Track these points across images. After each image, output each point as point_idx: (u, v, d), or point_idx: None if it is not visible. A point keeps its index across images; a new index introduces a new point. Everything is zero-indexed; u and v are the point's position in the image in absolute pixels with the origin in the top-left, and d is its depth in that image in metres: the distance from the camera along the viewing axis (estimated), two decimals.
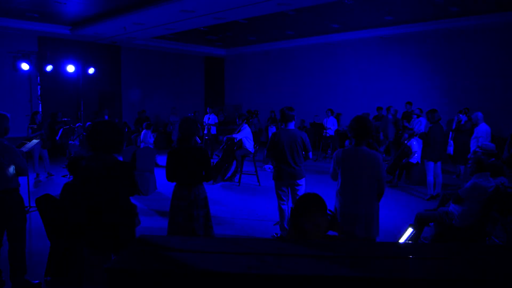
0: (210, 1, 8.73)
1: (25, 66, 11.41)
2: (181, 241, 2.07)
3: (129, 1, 9.52)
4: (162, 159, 10.27)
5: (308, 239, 2.27)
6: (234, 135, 8.91)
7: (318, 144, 13.04)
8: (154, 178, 8.16)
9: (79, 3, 9.69)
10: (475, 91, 11.30)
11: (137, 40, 13.87)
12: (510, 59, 10.76)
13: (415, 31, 12.13)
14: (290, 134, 4.83)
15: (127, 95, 15.43)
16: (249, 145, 8.80)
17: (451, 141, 9.07)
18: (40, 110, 12.16)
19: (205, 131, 12.91)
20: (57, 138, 10.42)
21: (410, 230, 3.88)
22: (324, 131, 12.49)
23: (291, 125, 4.91)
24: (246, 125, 8.92)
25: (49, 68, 11.88)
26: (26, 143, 6.27)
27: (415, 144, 8.46)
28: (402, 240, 3.83)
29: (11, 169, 3.66)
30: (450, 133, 9.13)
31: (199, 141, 11.58)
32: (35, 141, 6.79)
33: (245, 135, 8.78)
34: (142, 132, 10.76)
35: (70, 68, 12.28)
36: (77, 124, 10.85)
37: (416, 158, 8.46)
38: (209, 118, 13.07)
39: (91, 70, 12.84)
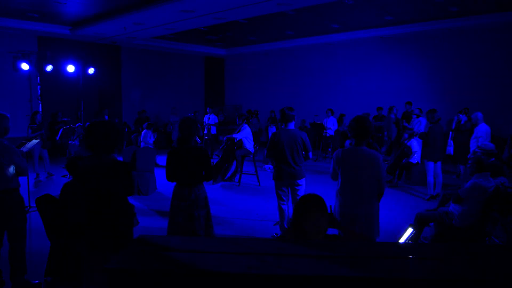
0: (210, 1, 8.73)
1: (25, 66, 11.40)
2: (181, 241, 2.07)
3: (129, 1, 9.52)
4: (162, 159, 10.27)
5: (309, 239, 2.27)
6: (234, 135, 8.91)
7: (318, 144, 13.04)
8: (154, 178, 8.16)
9: (79, 3, 9.69)
10: (475, 91, 11.30)
11: (137, 40, 13.87)
12: (510, 59, 10.76)
13: (415, 31, 12.13)
14: (290, 134, 4.83)
15: (127, 95, 15.43)
16: (249, 145, 8.80)
17: (451, 141, 9.07)
18: (40, 110, 12.16)
19: (205, 131, 12.91)
20: (57, 138, 10.42)
21: (410, 230, 3.88)
22: (324, 131, 12.49)
23: (291, 125, 4.91)
24: (246, 125, 8.92)
25: (49, 68, 11.87)
26: (26, 143, 6.26)
27: (415, 144, 8.46)
28: (402, 240, 3.83)
29: (11, 169, 3.66)
30: (450, 133, 9.13)
31: (199, 141, 11.58)
32: (35, 141, 6.79)
33: (245, 135, 8.78)
34: (143, 132, 10.76)
35: (70, 68, 12.28)
36: (77, 124, 10.84)
37: (416, 158, 8.46)
38: (209, 118, 13.07)
39: (91, 70, 12.83)
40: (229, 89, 19.01)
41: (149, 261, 1.60)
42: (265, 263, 1.55)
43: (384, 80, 13.35)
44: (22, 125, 9.81)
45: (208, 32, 13.36)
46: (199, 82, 18.51)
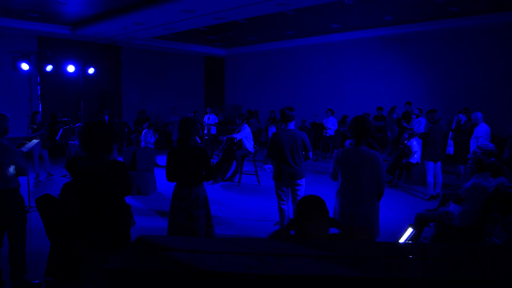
0: (210, 1, 8.73)
1: (25, 66, 11.40)
2: (181, 241, 2.07)
3: (129, 1, 9.52)
4: (162, 159, 10.28)
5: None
6: (234, 135, 8.91)
7: (318, 144, 13.04)
8: (154, 178, 8.16)
9: (79, 3, 9.69)
10: (475, 91, 11.31)
11: (137, 40, 13.87)
12: (510, 59, 10.76)
13: (415, 31, 12.13)
14: (290, 134, 4.83)
15: (127, 95, 15.43)
16: (249, 145, 8.80)
17: (451, 141, 9.07)
18: (40, 110, 12.16)
19: (205, 131, 12.91)
20: (57, 138, 10.41)
21: (410, 230, 3.88)
22: (324, 131, 12.50)
23: (291, 125, 4.91)
24: (246, 125, 8.92)
25: (49, 68, 11.87)
26: (26, 143, 6.27)
27: (415, 144, 8.46)
28: (402, 240, 3.83)
29: (11, 169, 3.66)
30: (450, 133, 9.13)
31: (199, 141, 11.58)
32: (35, 141, 6.79)
33: (245, 135, 8.78)
34: (143, 132, 10.77)
35: (70, 68, 12.28)
36: (77, 124, 10.84)
37: (416, 158, 8.46)
38: (209, 118, 13.07)
39: (91, 70, 12.83)
40: (229, 89, 19.01)
41: (149, 261, 1.60)
42: (265, 263, 1.55)
43: (384, 80, 13.36)
44: (22, 125, 9.81)
45: (208, 32, 13.36)
46: (199, 82, 18.51)
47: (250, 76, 17.78)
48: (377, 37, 13.08)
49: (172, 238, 2.88)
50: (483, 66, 11.26)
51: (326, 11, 10.47)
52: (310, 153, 4.95)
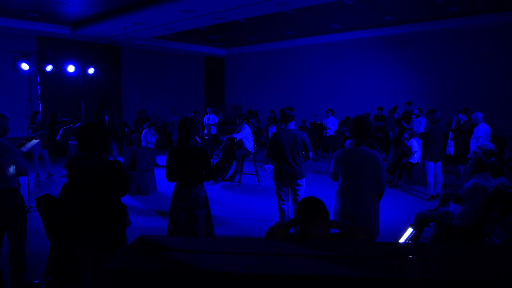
0: (210, 1, 8.73)
1: (25, 66, 11.39)
2: (181, 241, 2.07)
3: (129, 1, 9.52)
4: (162, 159, 10.28)
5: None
6: (234, 135, 8.91)
7: (318, 144, 13.04)
8: (154, 178, 8.17)
9: (79, 3, 9.69)
10: (475, 91, 11.31)
11: (137, 40, 13.87)
12: (510, 59, 10.76)
13: (415, 31, 12.13)
14: (290, 134, 4.83)
15: (127, 95, 15.43)
16: (249, 145, 8.80)
17: (451, 141, 9.07)
18: (40, 110, 12.16)
19: (205, 131, 12.91)
20: (57, 138, 10.42)
21: (410, 230, 3.88)
22: (324, 131, 12.50)
23: (291, 125, 4.91)
24: (246, 125, 8.92)
25: (49, 68, 11.86)
26: (26, 143, 6.26)
27: (415, 144, 8.46)
28: (402, 240, 3.83)
29: (11, 169, 3.66)
30: (450, 133, 9.13)
31: (199, 141, 11.58)
32: (35, 141, 6.79)
33: (245, 135, 8.78)
34: (143, 132, 10.77)
35: (70, 68, 12.27)
36: (77, 124, 10.83)
37: (416, 158, 8.46)
38: (209, 118, 13.07)
39: (91, 70, 12.82)
40: (229, 89, 19.01)
41: (149, 261, 1.60)
42: (265, 263, 1.55)
43: (384, 80, 13.36)
44: (22, 125, 9.81)
45: (208, 32, 13.36)
46: (199, 82, 18.51)
47: (250, 76, 17.78)
48: (377, 37, 13.09)
49: (172, 238, 2.88)
50: (483, 66, 11.26)
51: (326, 11, 10.47)
52: (310, 153, 4.95)
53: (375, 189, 3.53)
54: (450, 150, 9.04)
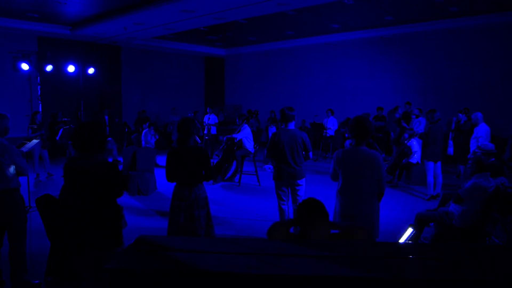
0: (210, 1, 8.73)
1: (25, 66, 11.41)
2: (181, 241, 2.07)
3: (129, 1, 9.52)
4: (162, 159, 10.27)
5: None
6: (234, 135, 8.91)
7: (318, 144, 13.04)
8: (154, 178, 8.17)
9: (79, 3, 9.69)
10: (475, 91, 11.31)
11: (137, 40, 13.87)
12: (510, 59, 10.76)
13: (415, 31, 12.13)
14: (290, 134, 4.83)
15: (127, 95, 15.43)
16: (249, 145, 8.80)
17: (451, 141, 9.08)
18: (40, 110, 12.17)
19: (205, 131, 12.91)
20: (57, 138, 10.42)
21: (410, 230, 3.88)
22: (324, 131, 12.50)
23: (291, 125, 4.91)
24: (246, 125, 8.92)
25: (49, 68, 11.88)
26: (26, 143, 6.27)
27: (415, 144, 8.46)
28: (402, 240, 3.83)
29: (11, 169, 3.66)
30: (450, 133, 9.13)
31: (199, 141, 11.58)
32: (35, 141, 6.79)
33: (245, 135, 8.78)
34: (143, 132, 10.77)
35: (70, 68, 12.29)
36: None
37: (416, 158, 8.46)
38: (209, 118, 13.07)
39: (91, 70, 12.84)
40: (229, 89, 19.01)
41: (149, 261, 1.60)
42: (265, 263, 1.55)
43: (384, 80, 13.36)
44: (22, 125, 9.82)
45: (208, 32, 13.36)
46: (199, 82, 18.51)
47: (250, 76, 17.78)
48: (377, 37, 13.09)
49: (172, 238, 2.88)
50: (483, 66, 11.26)
51: (326, 11, 10.47)
52: (310, 153, 4.95)
53: (375, 189, 3.53)
54: (450, 150, 9.04)
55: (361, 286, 1.43)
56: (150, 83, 16.22)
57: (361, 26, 12.62)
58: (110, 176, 2.97)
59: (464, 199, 4.42)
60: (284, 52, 16.03)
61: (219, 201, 7.24)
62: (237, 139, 8.82)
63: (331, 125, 12.55)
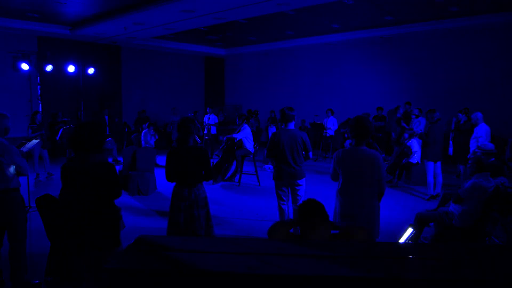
0: (210, 1, 8.73)
1: (25, 66, 11.41)
2: (181, 241, 2.07)
3: (129, 1, 9.52)
4: (162, 159, 10.28)
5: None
6: (234, 135, 8.91)
7: (318, 144, 13.04)
8: (154, 178, 8.17)
9: (79, 3, 9.69)
10: (475, 91, 11.31)
11: (137, 40, 13.87)
12: (510, 59, 10.76)
13: (415, 31, 12.13)
14: (290, 134, 4.83)
15: (127, 95, 15.43)
16: (249, 145, 8.80)
17: (450, 142, 9.08)
18: (40, 110, 12.18)
19: (205, 131, 12.91)
20: (57, 138, 10.42)
21: (410, 230, 3.88)
22: (324, 131, 12.50)
23: (291, 125, 4.91)
24: (246, 125, 8.92)
25: (49, 68, 11.88)
26: (26, 143, 6.26)
27: (415, 144, 8.46)
28: (402, 240, 3.83)
29: (12, 169, 3.66)
30: (450, 133, 9.13)
31: (199, 141, 11.58)
32: (35, 141, 6.79)
33: (245, 135, 8.78)
34: (143, 132, 10.77)
35: (70, 68, 12.29)
36: None
37: (416, 158, 8.46)
38: (209, 118, 13.07)
39: (91, 70, 12.84)
40: (229, 89, 19.02)
41: (149, 261, 1.60)
42: (265, 263, 1.55)
43: (384, 80, 13.36)
44: (22, 125, 9.82)
45: (208, 32, 13.36)
46: (199, 82, 18.51)
47: (250, 76, 17.79)
48: (377, 37, 13.09)
49: (172, 238, 2.88)
50: (483, 66, 11.26)
51: (326, 11, 10.47)
52: (310, 153, 4.96)
53: (376, 189, 3.53)
54: (451, 150, 9.05)
55: (361, 286, 1.43)
56: (150, 83, 16.23)
57: (361, 26, 12.62)
58: (110, 176, 2.98)
59: (464, 199, 4.42)
60: (284, 52, 16.03)
61: (219, 201, 7.24)
62: (237, 139, 8.82)
63: (331, 125, 12.55)
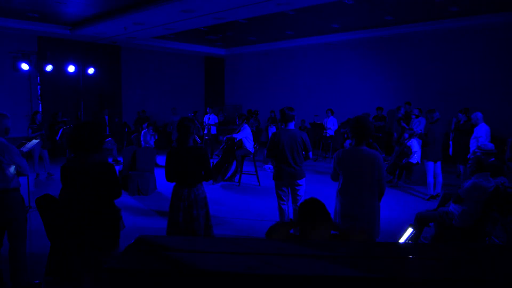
0: (210, 1, 8.74)
1: (25, 66, 11.41)
2: (181, 241, 2.07)
3: (129, 1, 9.52)
4: (162, 159, 10.28)
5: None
6: (234, 135, 8.91)
7: (318, 144, 13.04)
8: (154, 178, 8.16)
9: (79, 3, 9.69)
10: (475, 91, 11.30)
11: (137, 40, 13.87)
12: (510, 59, 10.76)
13: (415, 31, 12.13)
14: (290, 134, 4.83)
15: (127, 95, 15.43)
16: (249, 145, 8.80)
17: (450, 142, 9.07)
18: (40, 110, 12.18)
19: (205, 131, 12.91)
20: (57, 138, 10.42)
21: (410, 230, 3.88)
22: (324, 131, 12.50)
23: (291, 125, 4.91)
24: (246, 125, 8.92)
25: (49, 68, 11.88)
26: (26, 143, 6.26)
27: (415, 144, 8.46)
28: (402, 240, 3.83)
29: (12, 169, 3.66)
30: (450, 134, 9.13)
31: (199, 141, 11.58)
32: (35, 141, 6.78)
33: (245, 135, 8.78)
34: (142, 132, 10.77)
35: (70, 68, 12.29)
36: None
37: (416, 158, 8.46)
38: (209, 118, 13.07)
39: (91, 70, 12.84)
40: (229, 89, 19.02)
41: (149, 261, 1.60)
42: (265, 263, 1.55)
43: (384, 80, 13.36)
44: (22, 125, 9.83)
45: (208, 32, 13.36)
46: (199, 82, 18.51)
47: (250, 76, 17.79)
48: (377, 37, 13.09)
49: (172, 238, 2.88)
50: (483, 66, 11.26)
51: (326, 11, 10.47)
52: (310, 153, 4.95)
53: (376, 189, 3.53)
54: (450, 150, 9.05)
55: (361, 286, 1.43)
56: (150, 83, 16.22)
57: (361, 26, 12.62)
58: (109, 176, 2.97)
59: (464, 199, 4.42)
60: (284, 52, 16.03)
61: (219, 201, 7.24)
62: (237, 139, 8.83)
63: (331, 125, 12.55)
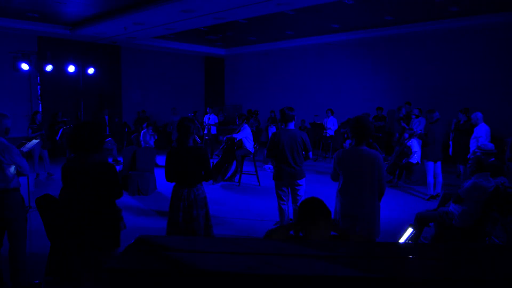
0: (210, 1, 8.74)
1: (25, 66, 11.41)
2: (181, 241, 2.07)
3: (129, 1, 9.52)
4: (162, 159, 10.28)
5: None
6: (234, 135, 8.91)
7: (318, 144, 13.03)
8: (154, 178, 8.17)
9: (79, 3, 9.69)
10: (475, 91, 11.30)
11: (137, 40, 13.87)
12: (510, 59, 10.76)
13: (415, 31, 12.13)
14: (290, 134, 4.83)
15: (127, 95, 15.43)
16: (249, 145, 8.80)
17: (450, 142, 9.07)
18: (40, 110, 12.18)
19: (205, 131, 12.91)
20: (57, 138, 10.42)
21: (410, 230, 3.88)
22: (324, 131, 12.50)
23: (291, 125, 4.91)
24: (246, 125, 8.93)
25: (49, 68, 11.88)
26: (26, 143, 6.26)
27: (415, 144, 8.46)
28: (402, 240, 3.83)
29: (12, 169, 3.66)
30: (450, 134, 9.12)
31: (199, 141, 11.58)
32: (35, 141, 6.79)
33: (245, 135, 8.78)
34: (142, 132, 10.77)
35: (70, 68, 12.29)
36: None
37: (416, 158, 8.46)
38: (209, 118, 13.07)
39: (91, 70, 12.84)
40: (229, 89, 19.02)
41: (149, 261, 1.60)
42: (265, 263, 1.55)
43: (384, 80, 13.36)
44: (22, 125, 9.82)
45: (208, 32, 13.36)
46: (199, 82, 18.51)
47: (250, 76, 17.78)
48: (377, 37, 13.09)
49: (172, 238, 2.88)
50: (483, 66, 11.25)
51: (326, 11, 10.47)
52: (310, 153, 4.96)
53: (376, 189, 3.53)
54: (450, 150, 9.05)
55: (361, 286, 1.43)
56: (150, 83, 16.22)
57: (361, 26, 12.62)
58: (109, 176, 2.98)
59: (464, 199, 4.42)
60: (284, 52, 16.03)
61: (219, 201, 7.24)
62: (237, 139, 8.83)
63: (331, 125, 12.55)
